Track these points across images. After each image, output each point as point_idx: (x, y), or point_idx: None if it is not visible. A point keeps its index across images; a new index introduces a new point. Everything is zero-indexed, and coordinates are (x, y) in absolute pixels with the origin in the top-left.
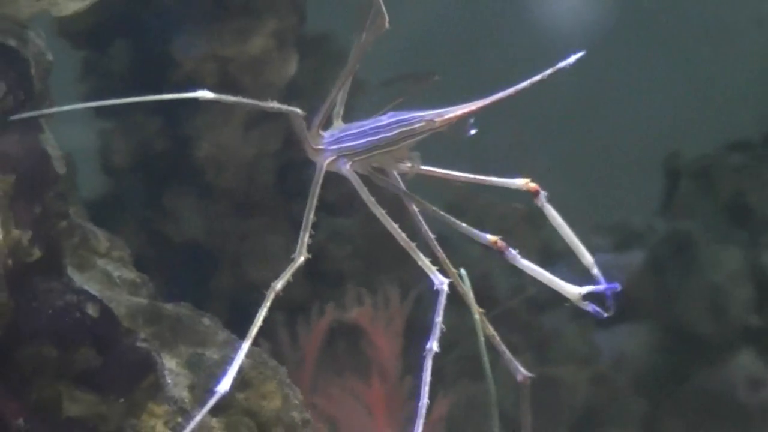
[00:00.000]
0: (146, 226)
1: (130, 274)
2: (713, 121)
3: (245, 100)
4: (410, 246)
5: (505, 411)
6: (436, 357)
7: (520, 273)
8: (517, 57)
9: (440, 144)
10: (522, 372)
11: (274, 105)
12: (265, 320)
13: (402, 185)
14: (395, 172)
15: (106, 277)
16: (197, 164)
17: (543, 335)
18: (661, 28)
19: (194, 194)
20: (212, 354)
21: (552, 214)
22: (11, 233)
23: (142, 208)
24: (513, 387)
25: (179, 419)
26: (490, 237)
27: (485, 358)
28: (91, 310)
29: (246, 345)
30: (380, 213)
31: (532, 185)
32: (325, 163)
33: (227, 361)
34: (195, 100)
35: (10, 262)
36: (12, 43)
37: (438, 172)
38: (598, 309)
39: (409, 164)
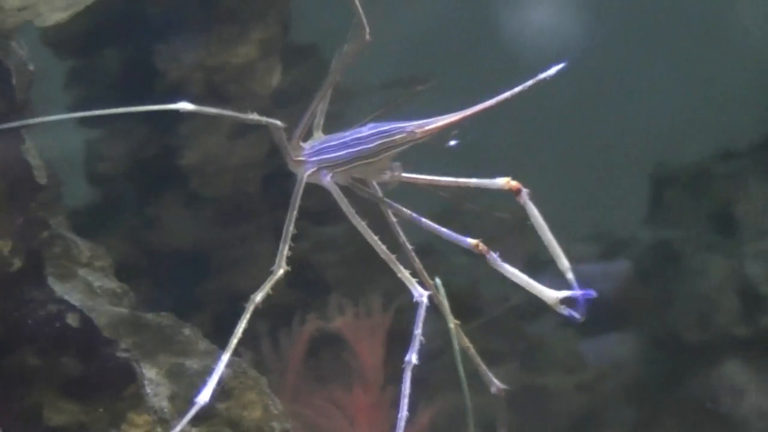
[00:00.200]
0: (132, 234)
1: (112, 284)
2: (701, 131)
3: (226, 112)
4: (390, 258)
5: (491, 420)
6: (419, 367)
7: (506, 281)
8: (509, 61)
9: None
10: (496, 384)
11: (255, 117)
12: (247, 329)
13: (382, 195)
14: (377, 186)
15: (88, 287)
16: (183, 172)
17: (530, 344)
18: (650, 36)
19: (180, 202)
20: (193, 364)
21: (533, 213)
22: None
23: (128, 216)
24: (500, 396)
25: (160, 429)
26: (471, 240)
27: (460, 368)
28: (72, 320)
29: (226, 357)
30: (360, 225)
31: (514, 183)
32: (305, 174)
33: (208, 371)
34: (180, 110)
35: None
36: None
37: (419, 179)
38: (573, 313)
39: (390, 174)
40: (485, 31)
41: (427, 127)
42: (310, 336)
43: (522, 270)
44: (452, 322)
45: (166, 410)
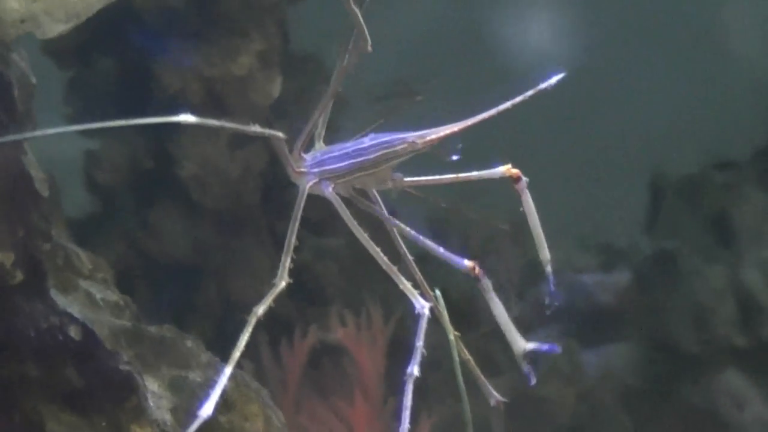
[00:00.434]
0: (132, 245)
1: (113, 296)
2: (699, 139)
3: (227, 124)
4: (391, 269)
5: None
6: (421, 378)
7: (507, 293)
8: (509, 70)
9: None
10: (495, 396)
11: (256, 129)
12: (248, 340)
13: (384, 210)
14: (377, 196)
15: (89, 299)
16: (183, 183)
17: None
18: (648, 46)
19: (180, 213)
20: (195, 376)
21: (527, 202)
22: None
23: (128, 226)
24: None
25: None
26: (467, 262)
27: (460, 380)
28: (74, 332)
29: (228, 369)
30: (362, 236)
31: (514, 171)
32: (307, 185)
33: (210, 383)
34: (181, 123)
35: None
36: None
37: (420, 181)
38: (530, 372)
39: (391, 184)
40: (485, 38)
41: (428, 138)
42: (311, 347)
43: (521, 277)
44: (452, 334)
45: (167, 423)
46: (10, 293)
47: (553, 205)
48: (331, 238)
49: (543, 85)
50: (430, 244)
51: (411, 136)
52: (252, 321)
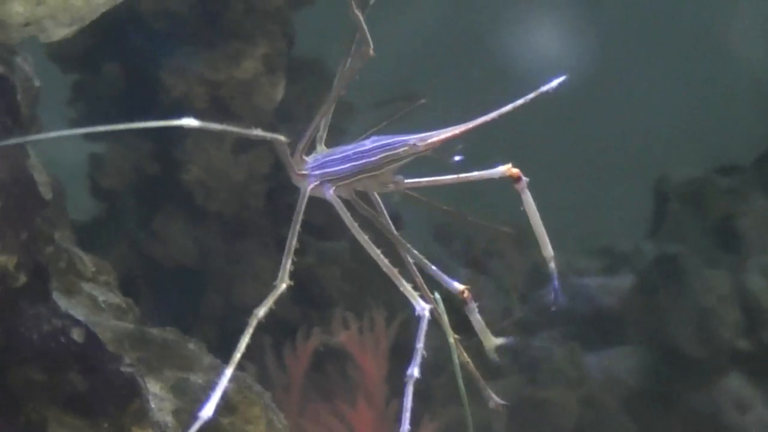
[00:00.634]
0: (136, 249)
1: (116, 299)
2: (703, 145)
3: (230, 128)
4: (393, 272)
5: None
6: (422, 381)
7: (509, 295)
8: (513, 72)
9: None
10: (495, 399)
11: (258, 132)
12: (251, 343)
13: (386, 214)
14: (379, 199)
15: (93, 302)
16: (187, 187)
17: (532, 358)
18: (652, 52)
19: (184, 217)
20: (197, 379)
21: (528, 201)
22: None
23: (133, 230)
24: (503, 409)
25: None
26: (458, 286)
27: (460, 383)
28: (77, 335)
29: (229, 371)
30: (363, 238)
31: (515, 171)
32: (309, 188)
33: (212, 386)
34: (184, 126)
35: None
36: None
37: (421, 183)
38: (497, 360)
39: (393, 187)
40: (490, 43)
41: (429, 140)
42: (313, 350)
43: (524, 281)
44: (452, 337)
45: (170, 425)
46: (14, 296)
47: (557, 208)
48: (334, 241)
49: (544, 88)
50: (423, 261)
51: (412, 138)
52: (252, 323)
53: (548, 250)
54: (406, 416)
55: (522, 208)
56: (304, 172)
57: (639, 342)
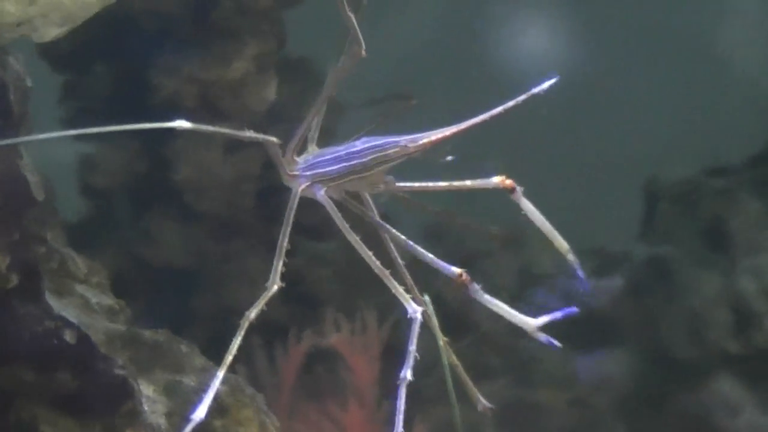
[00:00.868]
0: (126, 249)
1: (108, 300)
2: (693, 146)
3: (222, 130)
4: (384, 273)
5: None
6: (414, 382)
7: (499, 296)
8: (507, 74)
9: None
10: (483, 402)
11: (250, 134)
12: (242, 344)
13: (376, 213)
14: (369, 199)
15: (84, 303)
16: (177, 187)
17: (523, 359)
18: (643, 50)
19: (175, 217)
20: (189, 380)
21: (529, 208)
22: None
23: (123, 230)
24: (493, 411)
25: None
26: (455, 269)
27: (450, 384)
28: (69, 336)
29: (221, 373)
30: (354, 239)
31: (508, 182)
32: (299, 188)
33: (204, 387)
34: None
35: None
36: None
37: (413, 187)
38: (552, 340)
39: (383, 188)
40: (485, 45)
41: (420, 142)
42: (305, 352)
43: (516, 282)
44: (441, 339)
45: (162, 427)
46: (5, 297)
47: (548, 210)
48: (325, 242)
49: (535, 90)
50: (419, 250)
51: (403, 139)
52: (244, 325)
53: (562, 244)
54: (399, 418)
55: (523, 214)
56: (295, 172)
57: (629, 344)
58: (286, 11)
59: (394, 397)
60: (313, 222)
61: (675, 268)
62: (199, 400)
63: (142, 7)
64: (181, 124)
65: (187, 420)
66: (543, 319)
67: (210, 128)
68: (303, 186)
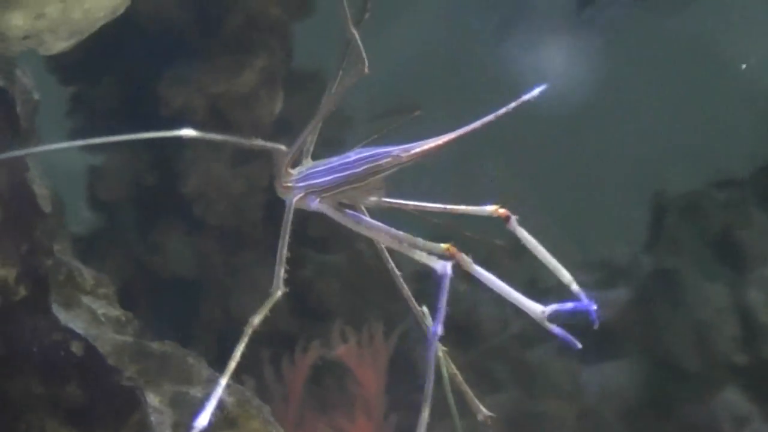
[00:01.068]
0: (135, 261)
1: (116, 312)
2: (701, 158)
3: (229, 138)
4: (401, 240)
5: None
6: (417, 395)
7: (506, 308)
8: (506, 87)
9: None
10: (483, 412)
11: (258, 142)
12: (250, 356)
13: (369, 219)
14: (365, 211)
15: (92, 315)
16: (186, 199)
17: (530, 370)
18: (648, 61)
19: (183, 229)
20: (197, 392)
21: (525, 237)
22: None
23: (131, 242)
24: (502, 421)
25: None
26: (442, 245)
27: (450, 396)
28: (77, 348)
29: (224, 380)
30: (363, 227)
31: (502, 211)
32: (294, 200)
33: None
34: (183, 137)
35: None
36: None
37: (407, 205)
38: (566, 334)
39: (375, 198)
40: (485, 60)
41: (413, 151)
42: (312, 363)
43: (523, 295)
44: (440, 350)
45: None
46: (13, 309)
47: (555, 221)
48: (332, 254)
49: (526, 97)
50: (404, 236)
51: (396, 149)
52: (248, 331)
53: (565, 275)
54: (430, 375)
55: (522, 244)
56: (289, 184)
57: (637, 355)
58: (295, 24)
59: (402, 409)
60: (320, 234)
61: (682, 280)
62: (202, 408)
63: (150, 20)
64: (188, 132)
65: (191, 428)
66: (552, 307)
67: (216, 136)
68: (297, 197)
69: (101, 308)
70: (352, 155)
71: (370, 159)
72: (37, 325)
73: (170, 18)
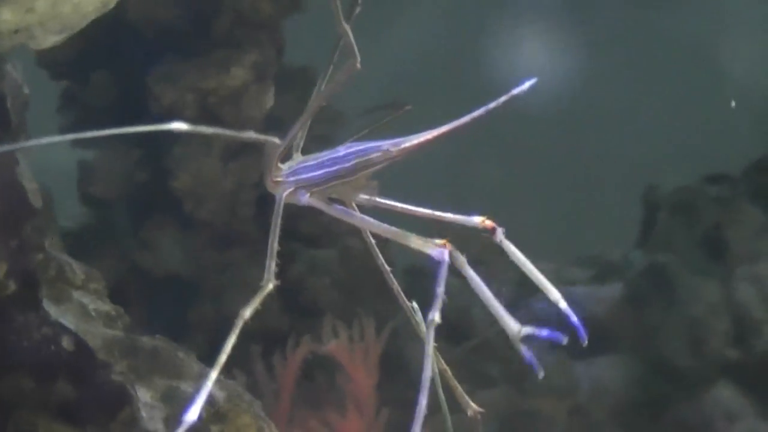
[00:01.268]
0: (125, 257)
1: (106, 307)
2: (692, 155)
3: (220, 131)
4: (396, 235)
5: None
6: (412, 393)
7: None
8: (500, 85)
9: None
10: (473, 407)
11: (251, 135)
12: (241, 352)
13: (358, 213)
14: (356, 208)
15: (82, 310)
16: (176, 196)
17: (522, 367)
18: (642, 60)
19: (173, 225)
20: (187, 387)
21: (511, 250)
22: None
23: (121, 238)
24: (494, 418)
25: None
26: (438, 241)
27: (440, 391)
28: (67, 343)
29: (214, 373)
30: (356, 219)
31: (489, 223)
32: (283, 194)
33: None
34: (173, 131)
35: None
36: None
37: (396, 206)
38: (532, 359)
39: (366, 196)
40: (481, 57)
41: (403, 146)
42: (303, 359)
43: (516, 292)
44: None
45: None
46: (3, 304)
47: (548, 218)
48: (323, 250)
49: (515, 91)
50: (397, 231)
51: (385, 144)
52: (239, 324)
53: (553, 293)
54: (428, 362)
55: (508, 257)
56: (278, 178)
57: (629, 352)
58: (285, 20)
59: (393, 405)
60: (311, 230)
61: (674, 276)
62: (192, 402)
63: (141, 16)
64: (179, 126)
65: (180, 422)
66: (527, 330)
67: (207, 129)
68: (287, 192)
69: (92, 303)
70: (342, 150)
71: (360, 153)
72: (27, 320)
73: (161, 14)
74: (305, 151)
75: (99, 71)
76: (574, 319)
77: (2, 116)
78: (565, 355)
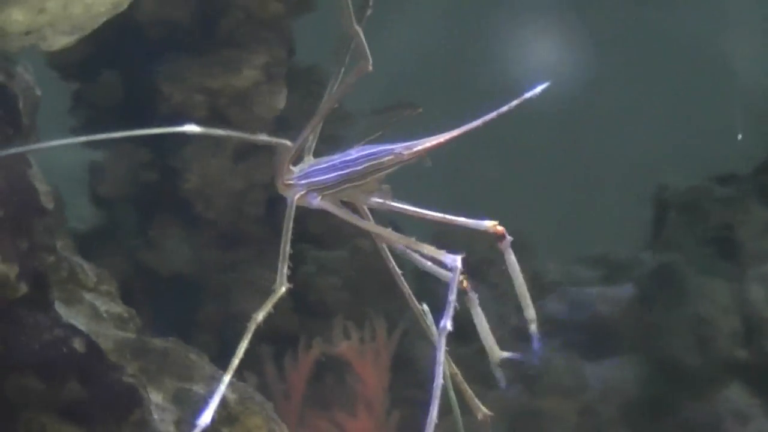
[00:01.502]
0: (135, 258)
1: (118, 308)
2: (702, 154)
3: (233, 133)
4: (409, 244)
5: None
6: (422, 393)
7: (507, 304)
8: (506, 86)
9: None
10: (483, 410)
11: (263, 137)
12: (252, 354)
13: (372, 221)
14: (368, 212)
15: (94, 312)
16: (185, 196)
17: (530, 367)
18: (649, 60)
19: (182, 226)
20: (199, 389)
21: (511, 261)
22: None
23: (131, 239)
24: (502, 419)
25: None
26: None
27: (452, 394)
28: (78, 344)
29: (227, 377)
30: (367, 225)
31: (499, 228)
32: (295, 197)
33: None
34: (186, 133)
35: None
36: (0, 78)
37: (407, 210)
38: (501, 380)
39: (379, 200)
40: (492, 59)
41: (414, 149)
42: (314, 360)
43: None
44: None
45: None
46: (15, 306)
47: (557, 218)
48: (333, 251)
49: (528, 95)
50: (410, 240)
51: (397, 147)
52: (251, 327)
53: (530, 312)
54: (439, 370)
55: (504, 268)
56: (290, 181)
57: (638, 352)
58: (296, 20)
59: (403, 406)
60: (321, 231)
61: (683, 276)
62: (205, 406)
63: (151, 17)
64: (192, 128)
65: (193, 426)
66: (505, 354)
67: (220, 132)
68: (298, 195)
69: (103, 305)
70: (354, 153)
71: (371, 156)
72: (38, 322)
73: (171, 15)
74: (316, 153)
75: (110, 72)
76: (537, 344)
77: (14, 117)
78: (574, 356)
